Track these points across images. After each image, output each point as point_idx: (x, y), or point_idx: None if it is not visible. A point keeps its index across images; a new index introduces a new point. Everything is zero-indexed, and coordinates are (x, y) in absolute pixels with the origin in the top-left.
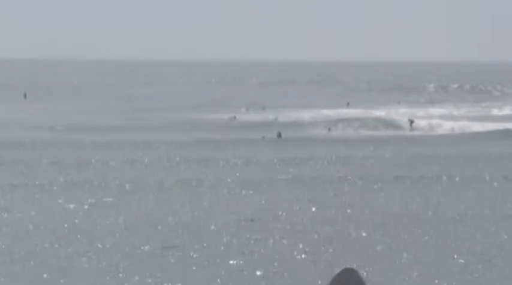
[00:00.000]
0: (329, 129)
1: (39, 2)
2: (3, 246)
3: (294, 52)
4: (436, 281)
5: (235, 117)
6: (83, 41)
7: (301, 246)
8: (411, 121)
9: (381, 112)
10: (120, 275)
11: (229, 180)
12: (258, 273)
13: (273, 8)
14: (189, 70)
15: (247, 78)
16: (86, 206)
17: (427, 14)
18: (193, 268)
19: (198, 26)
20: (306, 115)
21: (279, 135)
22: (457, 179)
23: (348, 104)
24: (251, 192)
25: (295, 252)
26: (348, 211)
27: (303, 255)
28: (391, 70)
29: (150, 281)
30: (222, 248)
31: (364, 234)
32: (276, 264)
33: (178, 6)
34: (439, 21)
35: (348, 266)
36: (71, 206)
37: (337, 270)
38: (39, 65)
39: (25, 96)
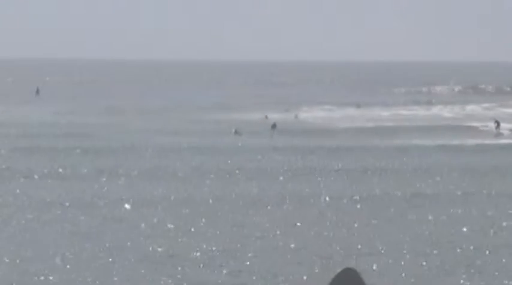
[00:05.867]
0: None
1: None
2: None
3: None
4: None
5: (266, 117)
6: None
7: None
8: (498, 124)
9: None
10: None
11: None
12: None
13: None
14: (199, 70)
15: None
16: None
17: (416, 11)
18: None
19: (200, 24)
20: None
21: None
22: None
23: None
24: None
25: None
26: None
27: None
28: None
29: None
30: None
31: None
32: None
33: (180, 5)
34: (429, 20)
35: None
36: None
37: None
38: (34, 65)
39: (38, 91)
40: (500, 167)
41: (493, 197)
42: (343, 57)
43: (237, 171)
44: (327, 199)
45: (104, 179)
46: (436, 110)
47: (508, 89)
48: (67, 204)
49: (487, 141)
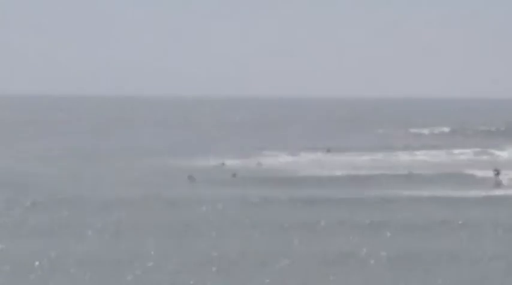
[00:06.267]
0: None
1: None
2: None
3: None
4: None
5: (223, 163)
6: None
7: None
8: (497, 172)
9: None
10: None
11: None
12: None
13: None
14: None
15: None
16: None
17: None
18: None
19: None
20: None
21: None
22: None
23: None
24: None
25: None
26: None
27: None
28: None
29: None
30: None
31: None
32: None
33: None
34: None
35: None
36: None
37: None
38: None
39: None
40: (504, 223)
41: (495, 258)
42: (319, 92)
43: (190, 225)
44: (291, 257)
45: (49, 236)
46: (421, 155)
47: (494, 129)
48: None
49: (487, 192)
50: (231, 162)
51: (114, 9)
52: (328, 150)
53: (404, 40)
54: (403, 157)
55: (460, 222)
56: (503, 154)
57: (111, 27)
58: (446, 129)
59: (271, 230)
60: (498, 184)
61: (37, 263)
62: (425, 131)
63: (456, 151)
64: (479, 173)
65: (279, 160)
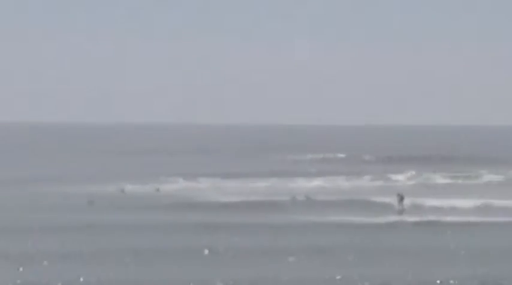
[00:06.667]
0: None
1: None
2: None
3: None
4: None
5: (123, 190)
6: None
7: None
8: (401, 197)
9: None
10: None
11: None
12: None
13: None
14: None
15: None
16: None
17: None
18: None
19: None
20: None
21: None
22: None
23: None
24: None
25: None
26: None
27: None
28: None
29: None
30: None
31: None
32: None
33: None
34: None
35: None
36: None
37: None
38: None
39: None
40: (408, 249)
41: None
42: (222, 120)
43: (93, 250)
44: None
45: None
46: (318, 181)
47: (390, 155)
48: None
49: (389, 218)
50: (130, 188)
51: None
52: (228, 176)
53: (304, 66)
54: (300, 182)
55: (364, 247)
56: (400, 179)
57: None
58: (342, 155)
59: (166, 256)
60: (401, 210)
61: None
62: (321, 156)
63: (353, 176)
64: (378, 198)
65: (177, 186)
